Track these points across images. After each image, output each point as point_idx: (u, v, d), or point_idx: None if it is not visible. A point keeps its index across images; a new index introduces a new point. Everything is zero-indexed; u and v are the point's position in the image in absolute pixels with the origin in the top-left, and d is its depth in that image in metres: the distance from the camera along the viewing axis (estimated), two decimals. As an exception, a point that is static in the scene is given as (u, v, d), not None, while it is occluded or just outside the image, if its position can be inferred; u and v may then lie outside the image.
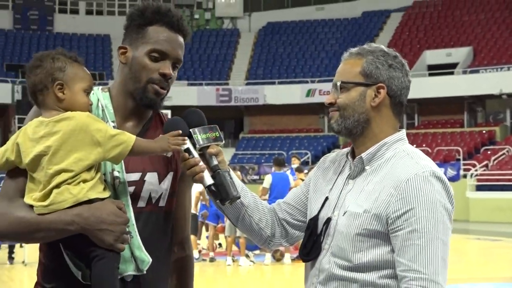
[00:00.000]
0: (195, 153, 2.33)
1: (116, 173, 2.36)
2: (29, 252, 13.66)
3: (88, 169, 2.26)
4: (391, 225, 2.26)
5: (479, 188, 27.07)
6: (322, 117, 35.61)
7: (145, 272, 2.36)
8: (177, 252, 2.60)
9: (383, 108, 2.39)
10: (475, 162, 28.71)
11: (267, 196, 12.86)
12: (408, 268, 2.21)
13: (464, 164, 28.48)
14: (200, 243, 14.76)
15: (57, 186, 2.23)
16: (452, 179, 27.13)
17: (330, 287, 2.34)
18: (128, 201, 2.37)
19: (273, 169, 14.12)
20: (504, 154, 29.04)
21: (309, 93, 34.85)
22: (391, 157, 2.36)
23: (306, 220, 2.52)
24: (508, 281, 11.65)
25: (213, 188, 2.33)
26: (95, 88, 2.46)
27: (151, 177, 2.43)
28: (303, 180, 10.49)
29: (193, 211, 12.53)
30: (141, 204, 2.41)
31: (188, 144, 2.32)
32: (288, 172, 14.39)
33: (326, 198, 2.43)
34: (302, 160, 21.46)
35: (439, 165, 22.44)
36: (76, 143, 2.25)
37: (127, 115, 2.47)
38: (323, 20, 41.36)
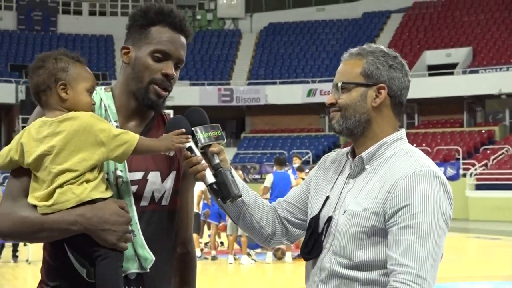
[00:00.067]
0: (197, 152, 2.33)
1: (119, 172, 2.36)
2: (33, 251, 13.67)
3: (91, 169, 2.26)
4: (387, 221, 2.26)
5: (478, 187, 27.06)
6: (323, 117, 35.62)
7: (148, 270, 2.36)
8: (180, 251, 2.60)
9: (384, 108, 2.40)
10: (474, 161, 28.69)
11: (268, 195, 12.87)
12: (398, 262, 2.21)
13: (464, 164, 28.47)
14: (202, 241, 14.76)
15: (60, 185, 2.22)
16: (452, 178, 27.13)
17: (331, 285, 2.34)
18: (131, 200, 2.37)
19: (274, 168, 14.12)
20: (503, 153, 29.03)
21: (310, 93, 34.84)
22: (391, 156, 2.36)
23: (307, 218, 2.52)
24: (507, 280, 11.65)
25: (214, 186, 2.34)
26: (98, 88, 2.46)
27: (154, 176, 2.43)
28: (304, 179, 10.51)
29: (195, 210, 12.53)
30: (144, 203, 2.41)
31: (190, 143, 2.32)
32: (290, 172, 14.38)
33: (327, 197, 2.44)
34: (303, 159, 21.45)
35: (439, 165, 22.25)
36: (79, 143, 2.25)
37: (129, 115, 2.47)
38: (324, 21, 41.35)
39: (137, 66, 2.42)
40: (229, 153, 32.50)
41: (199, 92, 35.75)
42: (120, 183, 2.36)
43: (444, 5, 39.13)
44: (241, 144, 36.12)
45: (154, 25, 2.43)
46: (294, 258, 13.45)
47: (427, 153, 27.64)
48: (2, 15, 40.73)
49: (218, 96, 36.08)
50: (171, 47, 2.42)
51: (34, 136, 2.28)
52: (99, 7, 42.85)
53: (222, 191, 2.34)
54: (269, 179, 13.42)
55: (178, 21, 2.44)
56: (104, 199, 2.27)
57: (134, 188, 2.39)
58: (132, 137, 2.28)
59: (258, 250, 14.30)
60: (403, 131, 2.44)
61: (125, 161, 2.35)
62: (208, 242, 15.23)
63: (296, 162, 15.69)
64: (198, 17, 43.10)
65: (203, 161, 2.33)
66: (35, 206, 2.26)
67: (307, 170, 15.06)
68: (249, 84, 37.52)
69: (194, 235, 11.29)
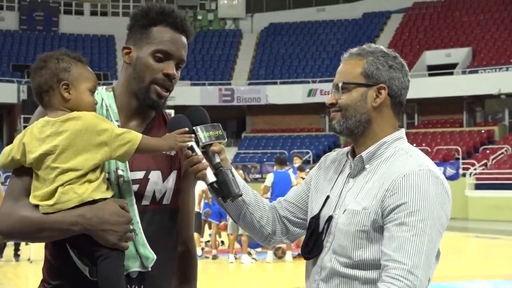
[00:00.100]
0: (198, 151, 2.33)
1: (120, 172, 2.36)
2: (35, 250, 13.67)
3: (94, 169, 2.26)
4: (385, 218, 2.26)
5: (478, 186, 27.06)
6: (323, 116, 35.62)
7: (149, 269, 2.36)
8: (181, 250, 2.60)
9: (384, 108, 2.40)
10: (474, 161, 28.69)
11: (269, 195, 12.87)
12: (391, 258, 2.21)
13: (463, 163, 28.47)
14: (203, 240, 14.76)
15: (62, 185, 2.22)
16: (451, 178, 27.13)
17: (332, 284, 2.35)
18: (132, 200, 2.37)
19: (275, 168, 14.12)
20: (502, 153, 29.03)
21: (311, 93, 34.85)
22: (390, 155, 2.36)
23: (307, 217, 2.52)
24: (507, 279, 11.65)
25: (215, 185, 2.34)
26: (99, 88, 2.46)
27: (155, 176, 2.43)
28: (304, 179, 10.51)
29: (196, 209, 12.53)
30: (145, 202, 2.41)
31: (191, 142, 2.33)
32: (290, 171, 14.39)
33: (327, 197, 2.44)
34: (303, 159, 21.45)
35: (439, 164, 22.25)
36: (82, 142, 2.24)
37: (130, 114, 2.47)
38: (324, 21, 41.35)
39: (139, 66, 2.42)
40: (230, 153, 32.49)
41: (200, 92, 35.75)
42: (122, 182, 2.36)
43: (444, 5, 39.13)
44: (241, 144, 36.12)
45: (155, 25, 2.42)
46: (294, 257, 13.45)
47: (426, 152, 27.64)
48: (4, 15, 40.74)
49: (219, 96, 36.09)
50: (173, 47, 2.42)
51: (37, 136, 2.27)
52: (100, 7, 42.86)
53: (222, 190, 2.34)
54: (269, 178, 13.42)
55: (179, 21, 2.44)
56: (105, 199, 2.27)
57: (135, 187, 2.39)
58: (135, 136, 2.28)
59: (259, 249, 14.30)
60: (402, 131, 2.45)
61: (126, 161, 2.35)
62: (208, 241, 15.23)
63: (297, 162, 15.69)
64: (199, 17, 43.10)
65: (204, 160, 2.33)
66: (36, 206, 2.26)
67: (307, 170, 15.05)
68: (249, 84, 37.52)
69: (195, 234, 11.31)
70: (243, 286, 11.88)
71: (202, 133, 2.34)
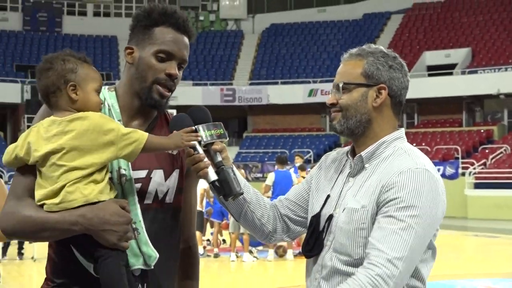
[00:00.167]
0: (200, 149, 2.34)
1: (123, 171, 2.36)
2: (38, 248, 13.68)
3: (100, 169, 2.26)
4: (378, 212, 2.27)
5: (477, 186, 27.04)
6: (324, 116, 35.61)
7: (152, 267, 2.36)
8: (183, 249, 2.60)
9: (384, 108, 2.40)
10: (473, 160, 28.68)
11: (270, 193, 12.86)
12: (374, 246, 2.21)
13: (463, 163, 28.45)
14: (204, 238, 14.77)
15: (68, 184, 2.22)
16: (451, 177, 27.11)
17: (333, 282, 2.35)
18: (135, 199, 2.36)
19: (276, 167, 14.12)
20: (501, 152, 29.01)
21: (311, 93, 34.84)
22: (390, 155, 2.36)
23: (307, 216, 2.53)
24: (505, 277, 11.64)
25: (217, 184, 2.34)
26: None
27: (157, 174, 2.43)
28: (305, 178, 10.51)
29: (198, 208, 12.54)
30: (148, 201, 2.41)
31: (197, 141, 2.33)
32: (292, 171, 14.39)
33: (328, 196, 2.44)
34: (304, 158, 21.45)
35: (438, 164, 22.21)
36: (89, 142, 2.24)
37: (133, 114, 2.46)
38: (325, 22, 41.34)
39: (141, 66, 2.42)
40: (231, 152, 32.49)
41: (202, 92, 35.74)
42: (124, 181, 2.36)
43: (443, 6, 39.10)
44: (243, 143, 36.12)
45: (157, 25, 2.42)
46: (295, 256, 13.45)
47: (426, 152, 27.64)
48: (8, 16, 40.76)
49: (221, 96, 36.08)
50: (175, 48, 2.42)
51: (43, 135, 2.27)
52: (103, 8, 42.86)
53: (224, 188, 2.34)
54: (270, 177, 13.42)
55: (181, 22, 2.44)
56: None
57: (137, 186, 2.39)
58: (141, 136, 2.27)
59: (260, 248, 14.30)
60: (402, 131, 2.45)
61: (133, 160, 2.35)
62: (208, 239, 15.22)
63: (298, 161, 15.69)
64: (201, 18, 43.10)
65: (206, 159, 2.33)
66: (39, 206, 2.26)
67: (308, 169, 15.05)
68: (251, 84, 37.52)
69: (197, 233, 11.29)
70: (244, 284, 11.88)
71: (204, 132, 2.34)
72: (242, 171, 17.07)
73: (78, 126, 2.25)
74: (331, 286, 2.35)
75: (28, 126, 2.36)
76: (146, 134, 2.29)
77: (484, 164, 28.42)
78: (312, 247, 2.40)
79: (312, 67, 38.20)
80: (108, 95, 2.46)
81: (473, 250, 17.45)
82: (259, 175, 30.29)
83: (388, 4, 40.39)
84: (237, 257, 13.58)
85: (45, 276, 2.44)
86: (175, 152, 2.46)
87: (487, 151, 29.59)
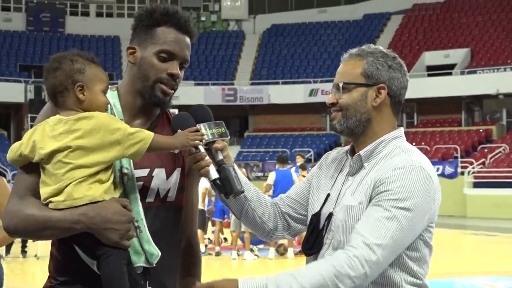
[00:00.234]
0: (201, 148, 2.34)
1: (125, 170, 2.36)
2: (42, 246, 13.69)
3: (105, 169, 2.25)
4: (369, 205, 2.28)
5: (476, 185, 27.04)
6: (325, 116, 35.59)
7: (154, 265, 2.36)
8: (184, 247, 2.60)
9: (384, 108, 2.40)
10: (472, 160, 28.68)
11: (271, 192, 12.86)
12: (357, 231, 2.22)
13: (462, 162, 28.45)
14: (206, 237, 14.77)
15: (74, 182, 2.21)
16: (450, 176, 27.13)
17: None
18: (137, 197, 2.36)
19: (276, 166, 14.12)
20: (500, 152, 29.01)
21: (312, 92, 34.84)
22: (388, 153, 2.37)
23: (308, 214, 2.53)
24: (503, 275, 11.64)
25: (218, 182, 2.34)
26: (102, 87, 2.46)
27: (159, 173, 2.43)
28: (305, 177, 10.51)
29: (200, 206, 12.54)
30: (150, 199, 2.41)
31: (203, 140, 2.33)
32: (293, 170, 14.40)
33: (328, 195, 2.44)
34: (305, 157, 21.46)
35: (438, 163, 22.17)
36: (95, 141, 2.24)
37: (135, 113, 2.46)
38: (325, 22, 41.33)
39: (143, 65, 2.42)
40: (233, 152, 32.49)
41: (204, 92, 35.74)
42: (126, 180, 2.36)
43: (443, 7, 39.09)
44: (244, 143, 36.13)
45: (159, 25, 2.42)
46: (296, 254, 13.45)
47: (426, 151, 27.64)
48: (12, 16, 40.78)
49: (222, 95, 36.09)
50: (176, 48, 2.41)
51: (49, 134, 2.26)
52: (106, 8, 42.87)
53: (225, 186, 2.34)
54: (271, 177, 13.42)
55: (183, 22, 2.44)
56: None
57: (139, 184, 2.38)
58: (147, 135, 2.27)
59: (261, 246, 14.30)
60: (401, 130, 2.45)
61: (138, 159, 2.35)
62: (209, 238, 15.23)
63: (299, 160, 15.70)
64: (203, 18, 43.10)
65: (207, 157, 2.34)
66: (43, 204, 2.26)
67: (309, 168, 15.06)
68: (252, 84, 37.52)
69: (199, 231, 11.30)
70: (245, 282, 11.86)
71: (205, 131, 2.35)
72: (244, 170, 17.08)
73: (85, 125, 2.25)
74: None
75: (31, 125, 2.36)
76: (152, 133, 2.29)
77: (483, 163, 28.43)
78: (312, 245, 2.41)
79: (313, 67, 38.20)
80: (110, 94, 2.46)
81: (471, 249, 17.45)
82: (260, 174, 30.30)
83: (388, 4, 40.38)
84: (238, 255, 13.58)
85: (48, 274, 2.44)
86: (176, 151, 2.46)
87: (486, 150, 29.59)
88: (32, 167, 2.31)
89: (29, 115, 32.40)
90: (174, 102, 2.52)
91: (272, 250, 13.63)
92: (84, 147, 2.23)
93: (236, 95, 36.28)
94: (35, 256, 13.78)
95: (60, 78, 2.30)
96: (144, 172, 2.40)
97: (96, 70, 2.34)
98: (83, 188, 2.21)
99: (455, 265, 13.06)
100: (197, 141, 2.31)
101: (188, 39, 2.45)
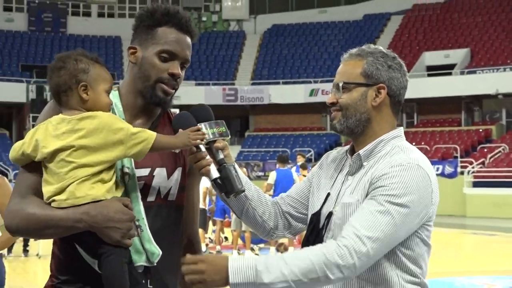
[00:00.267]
0: (202, 147, 2.34)
1: (126, 169, 2.36)
2: (43, 245, 13.70)
3: (108, 169, 2.26)
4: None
5: (475, 184, 27.03)
6: (325, 116, 35.59)
7: (155, 264, 2.36)
8: (186, 246, 2.60)
9: (383, 107, 2.40)
10: (472, 159, 28.67)
11: (271, 192, 12.86)
12: (350, 223, 2.22)
13: (462, 162, 28.45)
14: (207, 236, 14.78)
15: (76, 181, 2.21)
16: (450, 176, 27.12)
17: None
18: (138, 196, 2.36)
19: (277, 166, 14.12)
20: (500, 152, 29.01)
21: (312, 92, 34.84)
22: (387, 153, 2.37)
23: (308, 213, 2.53)
24: (503, 274, 11.64)
25: (218, 181, 2.34)
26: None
27: (160, 172, 2.43)
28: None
29: (201, 206, 12.54)
30: (151, 198, 2.41)
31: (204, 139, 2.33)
32: (294, 169, 14.40)
33: (328, 194, 2.44)
34: (306, 157, 21.46)
35: (437, 163, 22.16)
36: (99, 140, 2.24)
37: (136, 113, 2.46)
38: (326, 23, 41.32)
39: (144, 65, 2.41)
40: (234, 151, 32.50)
41: (205, 92, 35.74)
42: (127, 179, 2.36)
43: (443, 7, 39.08)
44: (245, 142, 36.13)
45: (160, 25, 2.42)
46: (296, 253, 13.44)
47: (426, 151, 27.65)
48: (14, 17, 40.79)
49: (223, 95, 36.09)
50: (178, 48, 2.41)
51: (52, 133, 2.26)
52: (107, 9, 42.88)
53: (226, 185, 2.34)
54: (272, 176, 13.43)
55: (184, 22, 2.44)
56: None
57: (140, 184, 2.39)
58: (150, 135, 2.27)
59: (261, 245, 14.31)
60: (400, 129, 2.45)
61: (141, 159, 2.35)
62: (210, 237, 15.23)
63: (300, 160, 15.71)
64: (204, 18, 43.10)
65: (208, 157, 2.34)
66: (45, 203, 2.26)
67: (309, 168, 15.06)
68: (253, 84, 37.52)
69: (200, 230, 11.30)
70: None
71: (206, 130, 2.35)
72: (244, 169, 17.08)
73: (88, 125, 2.25)
74: (333, 283, 2.35)
75: (33, 125, 2.36)
76: (155, 133, 2.29)
77: (483, 163, 28.42)
78: (312, 244, 2.40)
79: (313, 67, 38.19)
80: (111, 94, 2.46)
81: (471, 248, 17.45)
82: (261, 173, 30.31)
83: (388, 5, 40.37)
84: (239, 254, 13.58)
85: (49, 272, 2.44)
86: (177, 150, 2.46)
87: (485, 150, 29.58)
88: (34, 166, 2.31)
89: (31, 115, 32.40)
90: (175, 102, 2.52)
91: (272, 249, 13.63)
92: (87, 147, 2.23)
93: (237, 95, 36.28)
94: (37, 255, 13.79)
95: (64, 77, 2.30)
96: (145, 172, 2.40)
97: (100, 70, 2.35)
98: (86, 187, 2.22)
99: (455, 264, 13.06)
100: (198, 141, 2.31)
101: (189, 39, 2.45)
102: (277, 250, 13.75)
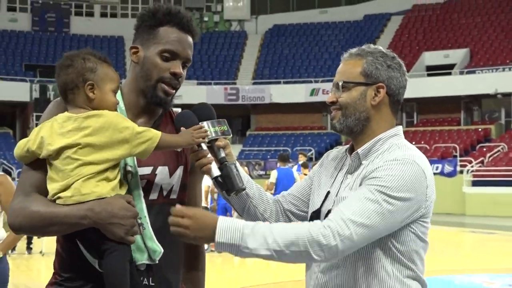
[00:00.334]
0: (204, 146, 2.35)
1: (129, 168, 2.36)
2: (47, 243, 13.71)
3: (113, 167, 2.26)
4: None
5: (475, 183, 27.03)
6: (325, 115, 35.61)
7: (157, 262, 2.36)
8: (188, 246, 2.60)
9: (383, 107, 2.41)
10: (471, 158, 28.67)
11: (273, 190, 12.85)
12: (338, 208, 2.23)
13: (461, 161, 28.45)
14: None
15: (82, 178, 2.22)
16: (449, 174, 27.12)
17: (330, 275, 2.36)
18: (140, 194, 2.36)
19: (278, 164, 14.12)
20: (499, 151, 29.00)
21: (313, 92, 34.85)
22: (385, 151, 2.37)
23: (309, 211, 2.53)
24: (502, 272, 11.64)
25: (219, 179, 2.35)
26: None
27: (162, 171, 2.42)
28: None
29: (203, 204, 12.52)
30: (153, 196, 2.41)
31: (208, 137, 2.34)
32: (295, 168, 14.41)
33: (328, 192, 2.45)
34: (307, 156, 21.46)
35: (437, 162, 22.17)
36: (104, 139, 2.24)
37: (138, 112, 2.46)
38: (327, 23, 41.32)
39: (146, 65, 2.41)
40: (235, 150, 32.51)
41: (206, 91, 35.76)
42: (130, 177, 2.36)
43: (442, 8, 39.07)
44: (246, 141, 36.14)
45: (162, 25, 2.42)
46: (297, 251, 13.44)
47: (425, 150, 27.65)
48: (18, 17, 40.82)
49: (225, 95, 36.10)
50: (179, 47, 2.41)
51: (57, 130, 2.27)
52: (110, 9, 42.89)
53: (226, 184, 2.35)
54: (273, 175, 13.44)
55: (185, 22, 2.43)
56: None
57: (143, 182, 2.38)
58: (155, 134, 2.28)
59: (263, 243, 14.29)
60: (399, 128, 2.45)
61: (134, 157, 2.35)
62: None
63: (301, 159, 15.72)
64: (205, 19, 43.11)
65: (209, 155, 2.34)
66: (49, 200, 2.26)
67: (310, 167, 15.07)
68: (254, 83, 37.53)
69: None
70: (247, 278, 11.89)
71: (208, 129, 2.35)
72: (246, 168, 17.09)
73: (94, 123, 2.25)
74: (328, 278, 2.36)
75: (37, 124, 2.36)
76: (159, 133, 2.29)
77: (482, 162, 28.42)
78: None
79: (314, 67, 38.20)
80: (113, 93, 2.46)
81: (470, 246, 17.45)
82: (262, 172, 30.32)
83: (388, 5, 40.37)
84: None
85: (53, 270, 2.44)
86: (179, 149, 2.46)
87: (484, 149, 29.58)
88: (37, 165, 2.31)
89: (34, 114, 32.44)
90: (177, 101, 2.53)
91: (273, 247, 13.61)
92: (93, 145, 2.24)
93: (238, 95, 36.29)
94: (40, 252, 13.80)
95: (72, 75, 2.30)
96: (147, 170, 2.40)
97: (108, 69, 2.35)
98: (91, 185, 2.22)
99: (454, 262, 13.06)
100: (202, 139, 2.31)
101: (190, 39, 2.45)
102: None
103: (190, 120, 2.36)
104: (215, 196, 13.93)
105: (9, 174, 21.98)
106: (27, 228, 2.31)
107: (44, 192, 2.29)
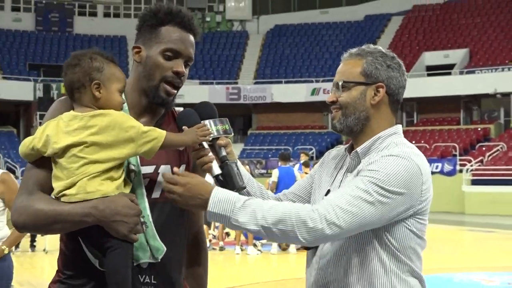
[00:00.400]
0: (205, 144, 2.35)
1: (132, 167, 2.36)
2: (50, 241, 13.72)
3: (117, 167, 2.26)
4: None
5: (474, 182, 27.02)
6: (326, 114, 35.60)
7: (159, 260, 2.36)
8: (191, 242, 2.60)
9: (382, 106, 2.41)
10: (470, 157, 28.65)
11: (274, 189, 12.85)
12: (330, 195, 2.26)
13: (460, 160, 28.43)
14: (210, 232, 14.79)
15: (87, 177, 2.22)
16: (449, 174, 27.11)
17: (329, 271, 2.37)
18: (143, 193, 2.37)
19: (279, 163, 14.12)
20: (498, 150, 28.98)
21: (314, 92, 34.84)
22: (383, 148, 2.37)
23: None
24: (500, 270, 11.64)
25: (220, 178, 2.35)
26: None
27: (165, 170, 2.42)
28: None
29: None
30: (156, 195, 2.41)
31: (211, 136, 2.35)
32: (296, 167, 14.41)
33: (328, 191, 2.45)
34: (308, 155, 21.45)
35: (437, 161, 22.13)
36: (110, 137, 2.24)
37: (141, 111, 2.46)
38: (327, 23, 41.30)
39: (148, 64, 2.42)
40: (236, 149, 32.50)
41: (208, 91, 35.75)
42: (133, 176, 2.36)
43: (442, 8, 39.04)
44: (247, 140, 36.14)
45: (164, 25, 2.42)
46: (298, 249, 13.46)
47: (425, 149, 27.65)
48: (21, 17, 40.83)
49: (226, 94, 36.10)
50: (181, 46, 2.41)
51: (63, 129, 2.27)
52: (113, 9, 42.89)
53: (227, 182, 2.35)
54: (275, 173, 13.44)
55: (187, 21, 2.44)
56: None
57: (145, 181, 2.39)
58: (160, 134, 2.28)
59: (264, 241, 14.30)
60: (398, 127, 2.45)
61: (138, 156, 2.35)
62: (213, 234, 15.24)
63: (303, 158, 15.71)
64: (207, 19, 43.10)
65: (210, 153, 2.34)
66: (50, 199, 2.26)
67: (311, 166, 15.06)
68: (255, 83, 37.52)
69: (204, 227, 11.30)
70: (249, 276, 11.89)
71: (210, 127, 2.36)
72: (247, 167, 17.09)
73: (100, 122, 2.25)
74: (326, 274, 2.37)
75: (40, 123, 2.36)
76: (164, 132, 2.30)
77: (481, 161, 28.40)
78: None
79: (315, 67, 38.18)
80: (115, 93, 2.46)
81: (469, 245, 17.44)
82: (263, 171, 30.31)
83: (389, 6, 40.34)
84: (242, 250, 13.60)
85: (56, 268, 2.44)
86: (181, 148, 2.47)
87: (484, 148, 29.56)
88: (41, 163, 2.31)
89: (38, 113, 32.44)
90: (179, 100, 2.53)
91: (274, 245, 13.63)
92: (99, 143, 2.24)
93: (240, 94, 36.30)
94: (44, 250, 13.81)
95: (78, 74, 2.30)
96: (150, 169, 2.40)
97: (114, 69, 2.35)
98: (96, 183, 2.22)
99: (454, 260, 13.05)
100: (205, 137, 2.32)
101: (192, 38, 2.45)
102: (279, 246, 13.76)
103: (193, 118, 2.37)
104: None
105: (13, 172, 21.95)
106: (31, 226, 2.31)
107: (47, 190, 2.29)
